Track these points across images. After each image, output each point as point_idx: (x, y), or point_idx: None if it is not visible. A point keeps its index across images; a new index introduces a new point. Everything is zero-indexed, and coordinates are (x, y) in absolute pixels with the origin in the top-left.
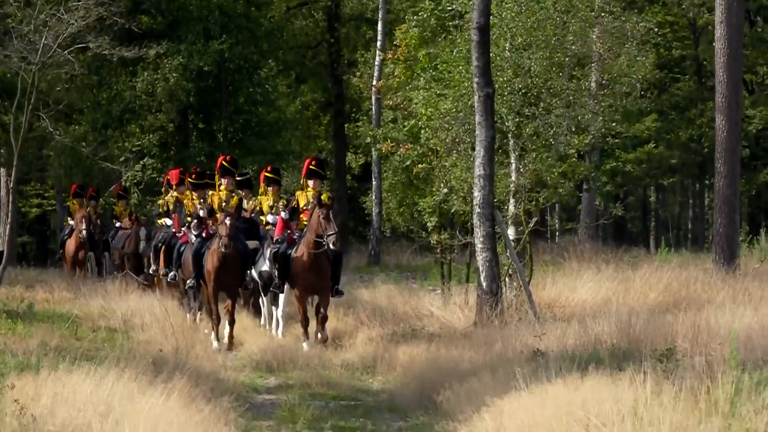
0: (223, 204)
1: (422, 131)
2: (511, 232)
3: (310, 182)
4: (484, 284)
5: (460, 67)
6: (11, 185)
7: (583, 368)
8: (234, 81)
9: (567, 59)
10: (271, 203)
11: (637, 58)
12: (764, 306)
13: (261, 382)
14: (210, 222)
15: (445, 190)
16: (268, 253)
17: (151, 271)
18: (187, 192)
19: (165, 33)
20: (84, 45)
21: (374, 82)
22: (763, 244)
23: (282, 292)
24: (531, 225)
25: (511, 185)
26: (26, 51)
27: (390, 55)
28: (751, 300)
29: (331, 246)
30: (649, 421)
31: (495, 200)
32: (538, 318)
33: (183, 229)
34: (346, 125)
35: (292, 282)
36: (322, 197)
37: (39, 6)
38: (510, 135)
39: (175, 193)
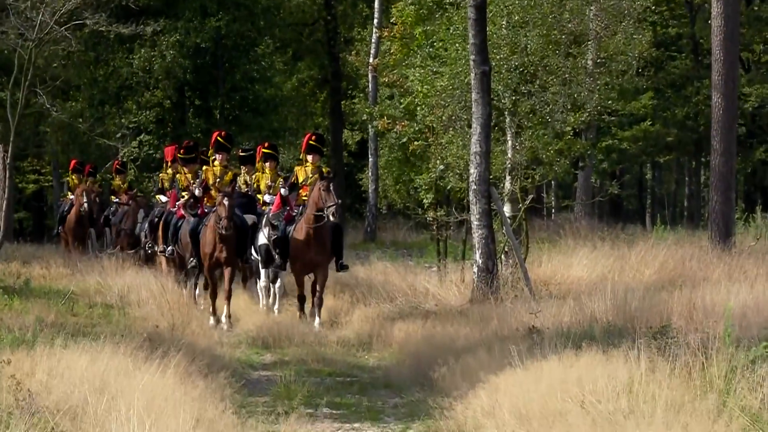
0: (218, 180)
1: (418, 108)
2: (507, 210)
3: (309, 157)
4: (480, 261)
5: (457, 45)
6: (8, 161)
7: (578, 345)
8: (231, 58)
9: (563, 37)
10: (268, 181)
11: (634, 36)
12: (759, 283)
13: (257, 358)
14: (205, 199)
15: (442, 167)
16: (266, 230)
17: (147, 248)
18: (180, 167)
19: (162, 10)
20: (81, 21)
21: (371, 60)
22: (759, 222)
23: (284, 270)
24: (527, 202)
25: (507, 162)
26: (23, 27)
27: (386, 33)
28: (746, 277)
29: (331, 218)
30: (643, 398)
31: (491, 177)
32: (533, 295)
33: (177, 203)
34: (342, 102)
35: (291, 259)
36: (324, 170)
37: None
38: (506, 112)
39: (170, 170)
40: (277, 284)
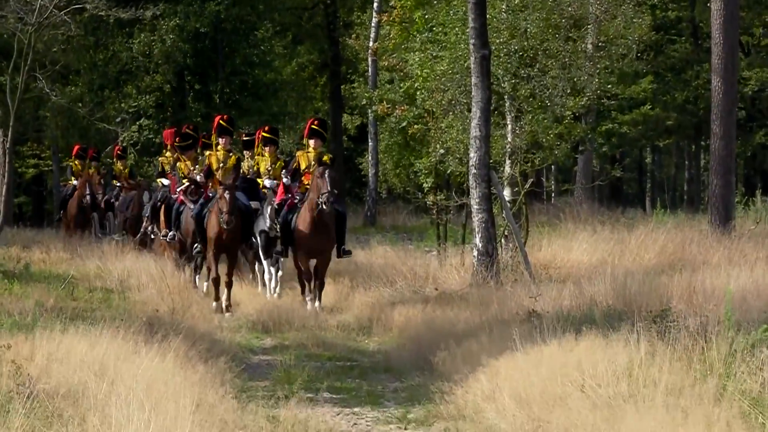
0: (221, 164)
1: (418, 93)
2: (507, 193)
3: (311, 142)
4: (480, 245)
5: (456, 29)
6: (7, 146)
7: (577, 329)
8: (230, 42)
9: (563, 21)
10: (268, 165)
11: (633, 20)
12: (759, 267)
13: (257, 342)
14: (209, 184)
15: (441, 151)
16: (268, 212)
17: (149, 232)
18: (178, 154)
19: None
20: (81, 6)
21: (370, 44)
22: (759, 206)
23: (286, 257)
24: (527, 186)
25: (507, 146)
26: (23, 11)
27: (386, 17)
28: (746, 261)
29: (324, 207)
30: (643, 382)
31: (491, 161)
32: (533, 279)
33: (178, 190)
34: (342, 86)
35: (294, 246)
36: (324, 158)
37: None
38: (506, 96)
39: (169, 154)
40: (279, 271)
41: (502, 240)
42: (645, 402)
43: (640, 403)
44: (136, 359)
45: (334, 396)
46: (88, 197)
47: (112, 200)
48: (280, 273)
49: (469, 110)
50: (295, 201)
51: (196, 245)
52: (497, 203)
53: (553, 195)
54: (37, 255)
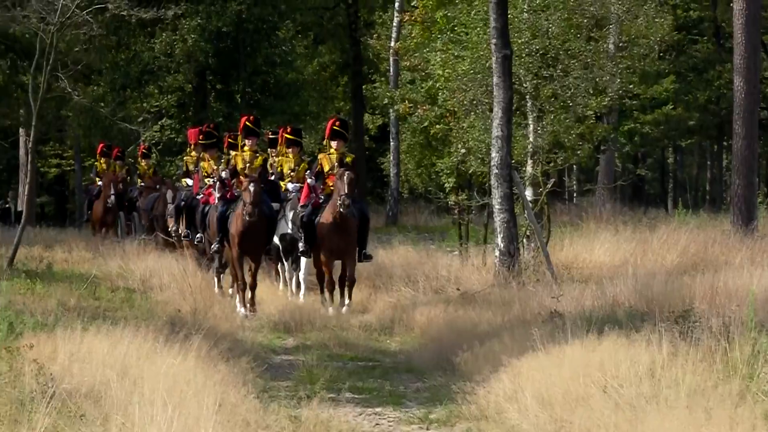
0: (247, 165)
1: (440, 92)
2: (528, 193)
3: (334, 143)
4: (502, 245)
5: (478, 29)
6: (30, 145)
7: (600, 329)
8: (252, 42)
9: (585, 21)
10: (292, 165)
11: (655, 20)
12: None
13: (279, 342)
14: (234, 184)
15: (463, 151)
16: (290, 216)
17: (173, 233)
18: (202, 153)
19: None
20: (102, 5)
21: (392, 44)
22: None
23: (309, 257)
24: (549, 186)
25: (529, 146)
26: (45, 11)
27: (408, 17)
28: None
29: (341, 210)
30: (666, 383)
31: (513, 161)
32: (555, 279)
33: (203, 189)
34: (363, 86)
35: (318, 247)
36: (346, 159)
37: None
38: (528, 96)
39: (194, 153)
40: (300, 273)
41: (524, 240)
42: (667, 403)
43: (662, 403)
44: (158, 359)
45: (356, 396)
46: (112, 197)
47: (135, 199)
48: (302, 274)
49: (491, 110)
50: (320, 201)
51: (215, 245)
52: (519, 203)
53: (575, 195)
54: (59, 254)
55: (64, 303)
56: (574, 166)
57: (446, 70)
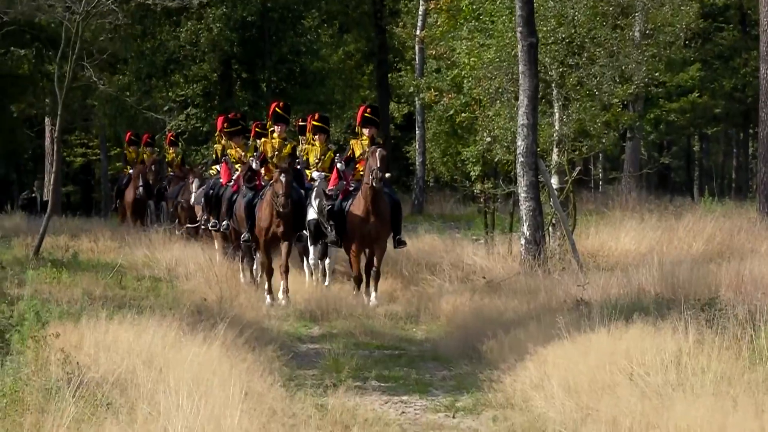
0: (276, 153)
1: (465, 81)
2: (554, 182)
3: (365, 130)
4: (528, 233)
5: (504, 17)
6: (56, 135)
7: (626, 318)
8: (277, 31)
9: (611, 9)
10: (318, 154)
11: (681, 8)
12: None
13: (305, 331)
14: (263, 172)
15: (489, 140)
16: (315, 204)
17: (203, 222)
18: (227, 141)
19: None
20: None
21: (417, 32)
22: None
23: (339, 246)
24: (574, 174)
25: (555, 135)
26: (70, 0)
27: (433, 5)
28: None
29: (374, 185)
30: (692, 371)
31: (538, 149)
32: (581, 267)
33: (234, 177)
34: (389, 75)
35: (348, 235)
36: (377, 139)
37: None
38: (553, 85)
39: (223, 141)
40: (327, 261)
41: (550, 228)
42: (694, 390)
43: (688, 391)
44: (183, 348)
45: (383, 384)
46: (141, 189)
47: (164, 188)
48: (327, 261)
49: (517, 98)
50: (350, 188)
51: (245, 234)
52: (545, 191)
53: (600, 183)
54: (85, 244)
55: (89, 292)
56: (600, 155)
57: (472, 59)
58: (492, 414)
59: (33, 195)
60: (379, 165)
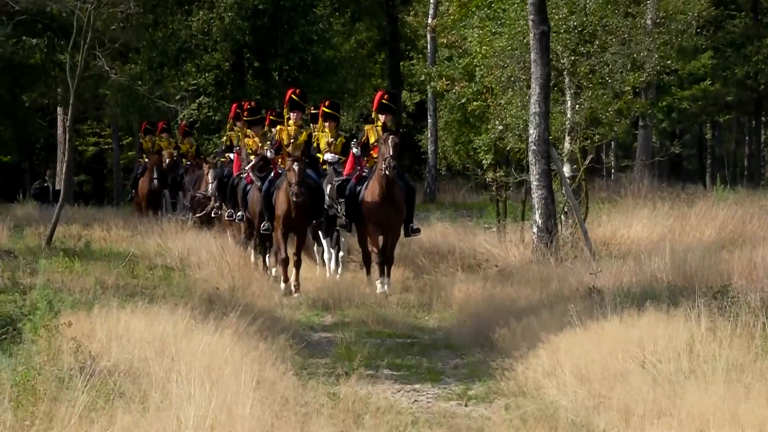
0: (292, 140)
1: (477, 69)
2: (566, 170)
3: (382, 117)
4: (540, 222)
5: (515, 5)
6: (68, 124)
7: (638, 305)
8: (289, 19)
9: None
10: (329, 140)
11: None
12: None
13: (317, 320)
14: (278, 160)
15: (501, 128)
16: (327, 190)
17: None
18: (245, 129)
19: None
20: None
21: (429, 20)
22: None
23: (349, 231)
24: (586, 162)
25: (567, 123)
26: None
27: None
28: None
29: (387, 173)
30: (704, 358)
31: (550, 138)
32: (593, 255)
33: (246, 168)
34: (401, 63)
35: (361, 220)
36: (390, 125)
37: None
38: (565, 73)
39: (237, 128)
40: (340, 252)
41: (562, 216)
42: (706, 378)
43: (700, 379)
44: (195, 337)
45: (395, 373)
46: (155, 181)
47: (180, 179)
48: (341, 253)
49: (529, 86)
50: (364, 174)
51: (264, 224)
52: (557, 180)
53: (612, 171)
54: (97, 233)
55: (102, 281)
56: (612, 142)
57: (483, 47)
58: (504, 402)
59: (45, 184)
60: (391, 153)
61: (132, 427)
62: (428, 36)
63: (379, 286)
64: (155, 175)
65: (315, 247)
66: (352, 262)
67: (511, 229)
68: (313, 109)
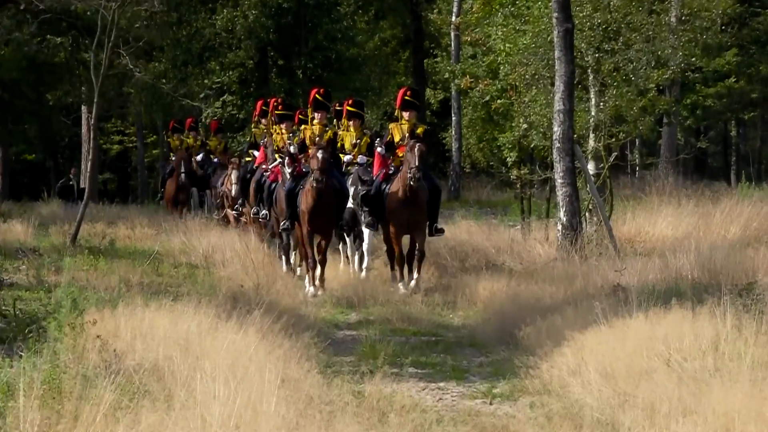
0: (316, 139)
1: (501, 67)
2: (591, 167)
3: (405, 114)
4: (564, 219)
5: (539, 3)
6: (92, 122)
7: (663, 303)
8: (313, 17)
9: None
10: (353, 140)
11: None
12: None
13: (342, 318)
14: (302, 159)
15: (525, 126)
16: (351, 191)
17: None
18: (274, 126)
19: None
20: None
21: (453, 18)
22: None
23: (375, 230)
24: (611, 160)
25: (591, 120)
26: None
27: None
28: None
29: (411, 183)
30: (729, 356)
31: (575, 135)
32: (618, 253)
33: (272, 166)
34: (425, 61)
35: (386, 219)
36: (417, 131)
37: None
38: (589, 70)
39: (262, 125)
40: (364, 246)
41: (587, 214)
42: (731, 376)
43: (726, 377)
44: (219, 335)
45: (419, 371)
46: (183, 176)
47: (208, 175)
48: (365, 248)
49: (553, 84)
50: (389, 172)
51: (284, 222)
52: (581, 177)
53: (637, 168)
54: (122, 231)
55: (126, 279)
56: (637, 140)
57: (507, 45)
58: (529, 400)
59: (70, 182)
60: (417, 163)
61: (157, 425)
62: (452, 34)
63: (401, 287)
64: (183, 170)
65: (339, 245)
66: (376, 258)
67: (535, 227)
68: (338, 106)
